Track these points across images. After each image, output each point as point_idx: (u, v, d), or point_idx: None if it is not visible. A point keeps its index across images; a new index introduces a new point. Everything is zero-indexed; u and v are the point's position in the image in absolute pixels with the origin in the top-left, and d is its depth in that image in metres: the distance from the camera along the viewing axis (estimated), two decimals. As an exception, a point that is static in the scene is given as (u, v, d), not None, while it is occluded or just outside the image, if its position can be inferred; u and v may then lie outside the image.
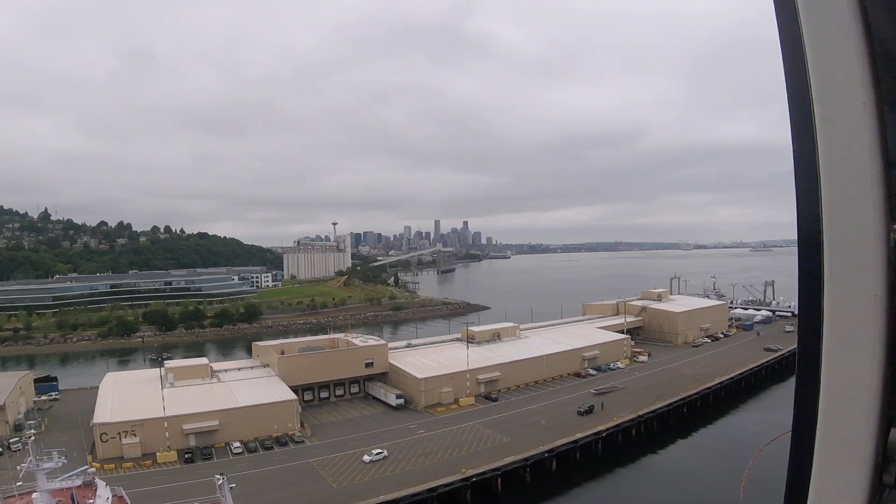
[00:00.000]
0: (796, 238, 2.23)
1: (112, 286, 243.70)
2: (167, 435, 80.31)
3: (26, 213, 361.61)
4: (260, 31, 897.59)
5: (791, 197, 2.22)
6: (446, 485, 68.23)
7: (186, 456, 78.42)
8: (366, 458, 75.50)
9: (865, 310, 1.81)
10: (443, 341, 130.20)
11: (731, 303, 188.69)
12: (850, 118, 1.82)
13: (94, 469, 62.05)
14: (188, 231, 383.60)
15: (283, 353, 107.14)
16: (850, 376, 1.85)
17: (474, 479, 70.11)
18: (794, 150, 2.03)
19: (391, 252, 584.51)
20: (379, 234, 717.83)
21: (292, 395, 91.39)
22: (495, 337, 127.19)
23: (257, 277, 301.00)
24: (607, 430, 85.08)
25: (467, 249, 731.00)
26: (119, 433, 78.38)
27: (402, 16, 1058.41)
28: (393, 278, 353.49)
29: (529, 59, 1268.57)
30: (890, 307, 1.80)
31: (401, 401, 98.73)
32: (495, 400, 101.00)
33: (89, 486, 53.63)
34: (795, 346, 2.30)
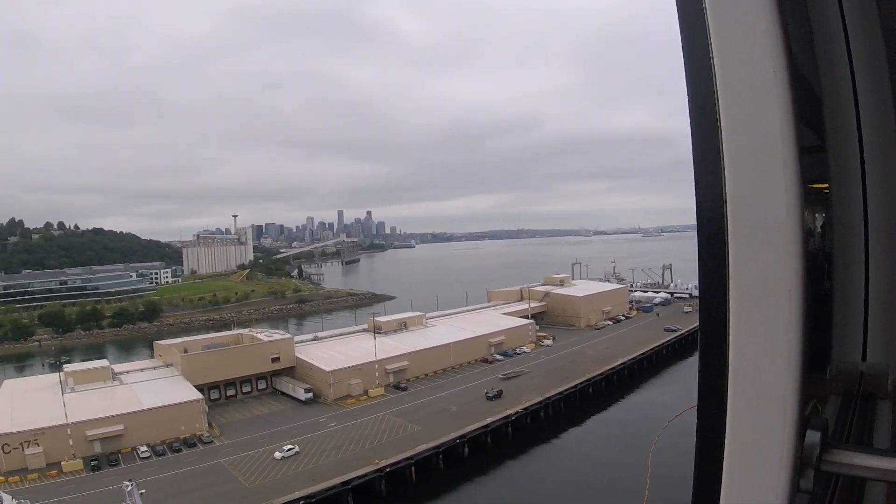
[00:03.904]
0: (696, 224, 1.90)
1: (5, 288, 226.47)
2: (71, 443, 75.63)
3: None
4: (149, 16, 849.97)
5: (689, 183, 1.90)
6: (360, 477, 67.60)
7: (93, 463, 74.19)
8: (277, 454, 73.62)
9: (779, 305, 1.62)
10: (349, 333, 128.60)
11: (631, 286, 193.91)
12: (758, 99, 1.59)
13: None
14: (83, 227, 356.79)
15: (186, 351, 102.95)
16: (762, 378, 1.67)
17: (388, 470, 69.81)
18: (693, 136, 1.77)
19: (294, 244, 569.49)
20: (281, 226, 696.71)
21: (198, 395, 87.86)
22: (402, 326, 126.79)
23: (156, 274, 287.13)
24: (516, 413, 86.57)
25: (371, 239, 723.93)
26: (21, 443, 73.11)
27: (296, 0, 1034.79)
28: (297, 270, 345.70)
29: (425, 48, 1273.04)
30: (805, 302, 1.61)
31: (309, 395, 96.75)
32: (404, 389, 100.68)
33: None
34: (693, 326, 1.89)
